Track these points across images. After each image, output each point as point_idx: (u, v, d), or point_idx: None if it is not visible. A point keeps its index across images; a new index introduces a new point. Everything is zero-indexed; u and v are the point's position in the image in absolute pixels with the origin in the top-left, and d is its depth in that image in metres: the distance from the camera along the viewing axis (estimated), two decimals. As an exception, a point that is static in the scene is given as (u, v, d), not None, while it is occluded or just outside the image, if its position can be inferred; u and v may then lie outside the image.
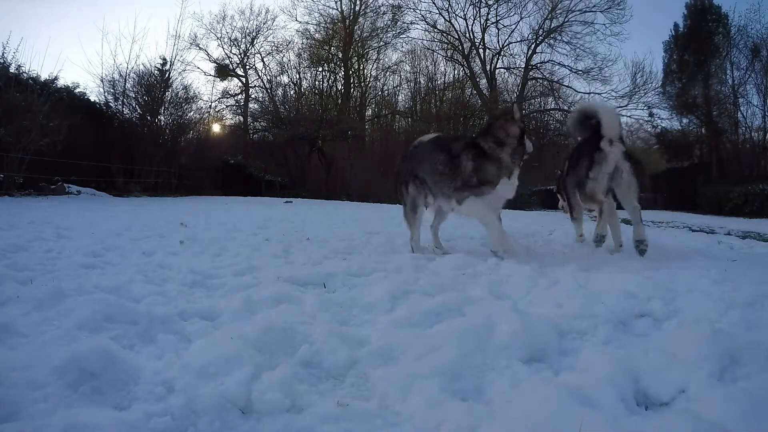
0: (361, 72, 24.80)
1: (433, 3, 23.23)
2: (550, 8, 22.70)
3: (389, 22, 23.95)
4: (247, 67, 24.99)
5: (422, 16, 23.68)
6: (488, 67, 24.14)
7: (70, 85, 14.83)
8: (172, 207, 9.09)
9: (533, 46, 23.62)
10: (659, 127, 23.04)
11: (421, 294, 1.98)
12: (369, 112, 25.06)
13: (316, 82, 24.84)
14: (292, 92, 24.92)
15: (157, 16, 50.44)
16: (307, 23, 24.81)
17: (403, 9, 23.65)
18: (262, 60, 25.14)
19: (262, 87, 25.08)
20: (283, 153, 21.83)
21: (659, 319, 1.74)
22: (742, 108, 19.71)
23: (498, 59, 24.24)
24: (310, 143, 21.88)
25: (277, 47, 24.70)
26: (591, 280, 2.25)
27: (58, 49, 34.77)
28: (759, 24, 19.60)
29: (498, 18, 23.64)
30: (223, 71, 24.44)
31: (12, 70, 12.07)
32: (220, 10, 41.54)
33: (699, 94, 20.93)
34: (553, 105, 24.11)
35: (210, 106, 22.97)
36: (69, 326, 1.37)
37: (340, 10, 24.42)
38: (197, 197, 14.33)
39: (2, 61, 11.94)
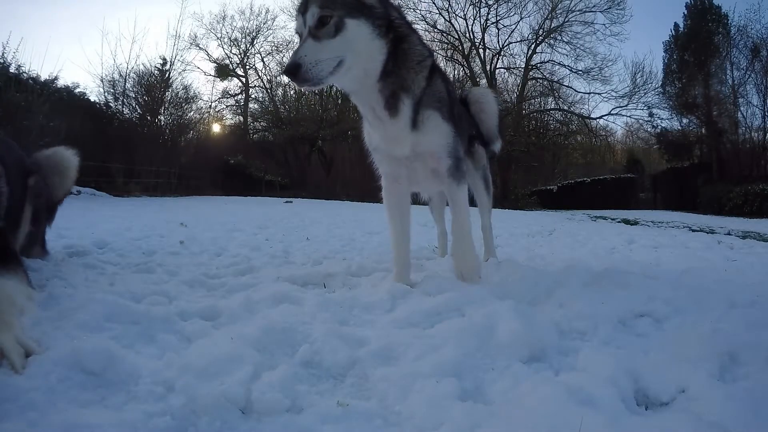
0: (361, 72, 24.78)
1: (433, 3, 23.26)
2: (550, 8, 22.75)
3: (389, 22, 23.97)
4: (247, 67, 25.05)
5: (422, 16, 23.66)
6: (488, 67, 24.16)
7: (70, 85, 14.89)
8: (172, 207, 9.08)
9: (533, 46, 23.66)
10: (659, 127, 23.11)
11: (421, 294, 1.98)
12: (369, 112, 25.02)
13: (317, 82, 24.82)
14: (292, 92, 24.95)
15: (157, 16, 50.38)
16: (307, 23, 24.82)
17: (403, 9, 23.67)
18: (262, 60, 25.20)
19: (262, 87, 25.14)
20: (283, 153, 21.86)
21: (659, 318, 1.74)
22: (742, 108, 19.77)
23: (498, 59, 24.28)
24: (310, 143, 21.90)
25: (277, 47, 24.77)
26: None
27: (58, 49, 34.79)
28: (759, 24, 19.74)
29: (498, 18, 23.68)
30: (223, 71, 24.47)
31: (12, 70, 12.09)
32: (220, 10, 41.67)
33: (699, 94, 20.96)
34: (553, 105, 24.14)
35: (210, 106, 23.04)
36: (69, 326, 1.37)
37: (340, 10, 24.42)
38: (197, 197, 14.32)
39: (2, 61, 11.96)
